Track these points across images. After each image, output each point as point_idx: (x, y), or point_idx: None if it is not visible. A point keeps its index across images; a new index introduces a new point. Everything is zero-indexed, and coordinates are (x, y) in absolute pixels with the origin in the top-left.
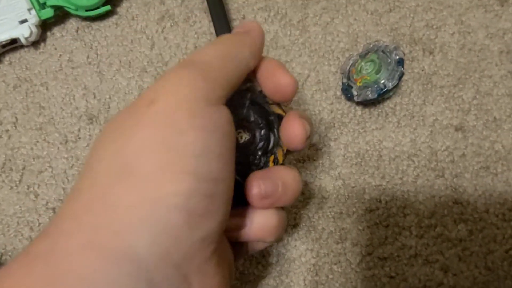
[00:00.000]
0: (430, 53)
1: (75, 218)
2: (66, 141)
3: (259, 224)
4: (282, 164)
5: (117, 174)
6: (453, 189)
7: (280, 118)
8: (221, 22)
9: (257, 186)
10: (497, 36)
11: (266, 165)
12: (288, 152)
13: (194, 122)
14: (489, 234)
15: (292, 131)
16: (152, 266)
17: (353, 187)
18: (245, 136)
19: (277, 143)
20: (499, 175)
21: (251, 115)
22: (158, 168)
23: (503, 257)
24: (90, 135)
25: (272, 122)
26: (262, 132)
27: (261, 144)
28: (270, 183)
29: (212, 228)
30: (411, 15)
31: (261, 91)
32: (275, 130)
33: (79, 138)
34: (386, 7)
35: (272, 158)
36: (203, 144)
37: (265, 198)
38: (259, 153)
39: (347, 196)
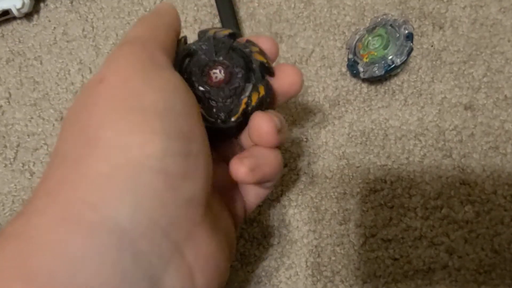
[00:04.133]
0: (440, 28)
1: (48, 195)
2: (62, 118)
3: (271, 161)
4: (254, 108)
5: (84, 147)
6: (461, 170)
7: (262, 65)
8: None
9: (269, 121)
10: (511, 11)
11: (237, 106)
12: (267, 98)
13: (149, 84)
14: (497, 216)
15: (261, 126)
16: (136, 235)
17: (357, 167)
18: (218, 76)
19: (255, 89)
20: (509, 155)
21: (228, 58)
22: (124, 133)
23: (510, 240)
24: None
25: (254, 68)
26: (239, 75)
27: (237, 85)
28: (278, 119)
29: (196, 189)
30: None
31: (247, 41)
32: (254, 76)
33: None
34: None
35: (245, 100)
36: (165, 103)
37: (278, 133)
38: (231, 92)
39: (351, 176)
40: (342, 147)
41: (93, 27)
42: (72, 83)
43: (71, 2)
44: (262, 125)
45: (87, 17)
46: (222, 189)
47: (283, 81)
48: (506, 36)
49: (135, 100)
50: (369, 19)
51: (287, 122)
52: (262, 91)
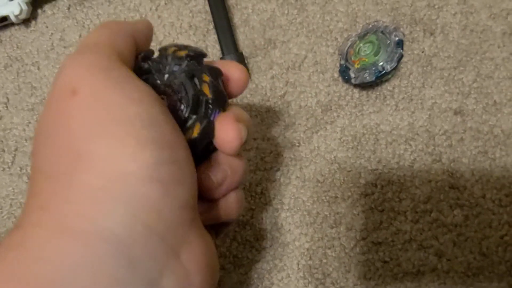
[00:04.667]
0: (431, 34)
1: (41, 209)
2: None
3: (222, 207)
4: (200, 140)
5: (72, 162)
6: (450, 174)
7: (207, 102)
8: (217, 2)
9: (207, 178)
10: (501, 17)
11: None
12: (207, 135)
13: (129, 96)
14: (485, 220)
15: (226, 135)
16: (133, 243)
17: (348, 171)
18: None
19: (197, 123)
20: (497, 160)
21: (177, 85)
22: (114, 145)
23: (498, 243)
24: None
25: (200, 101)
26: (182, 107)
27: (176, 116)
28: (220, 171)
29: (188, 193)
30: None
31: (205, 66)
32: (199, 109)
33: None
34: None
35: (189, 133)
36: (148, 113)
37: (220, 186)
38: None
39: (342, 180)
40: (334, 152)
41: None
42: None
43: (68, 8)
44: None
45: (84, 23)
46: None
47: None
48: (496, 42)
49: (119, 112)
50: (361, 26)
51: (279, 127)
52: (198, 130)
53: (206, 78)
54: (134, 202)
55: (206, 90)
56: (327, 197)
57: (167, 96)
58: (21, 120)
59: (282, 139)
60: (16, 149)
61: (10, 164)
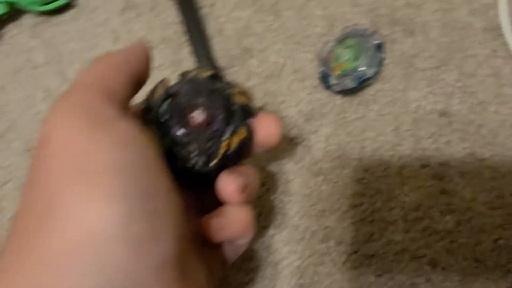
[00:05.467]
0: (411, 33)
1: (4, 273)
2: (30, 148)
3: (239, 220)
4: (235, 152)
5: (41, 218)
6: (439, 179)
7: (243, 107)
8: (189, 12)
9: (232, 181)
10: (481, 12)
11: (217, 148)
12: (247, 141)
13: (98, 142)
14: (477, 224)
15: (225, 187)
16: None
17: (335, 182)
18: (199, 119)
19: (236, 131)
20: (486, 160)
21: (209, 101)
22: (81, 201)
23: (492, 247)
24: None
25: (234, 111)
26: (220, 117)
27: (217, 128)
28: (243, 177)
29: (166, 251)
30: None
31: (227, 82)
32: (235, 118)
33: None
34: None
35: (225, 143)
36: (119, 161)
37: (243, 192)
38: (211, 135)
39: (329, 192)
40: (319, 163)
41: (57, 52)
42: (39, 112)
43: (34, 27)
44: (226, 186)
45: (50, 42)
46: (201, 243)
47: (261, 131)
48: (477, 39)
49: (86, 162)
50: (339, 29)
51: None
52: (243, 133)
53: (236, 89)
54: (101, 265)
55: (239, 98)
56: (315, 211)
57: (204, 110)
58: None
59: (265, 153)
60: None
61: None
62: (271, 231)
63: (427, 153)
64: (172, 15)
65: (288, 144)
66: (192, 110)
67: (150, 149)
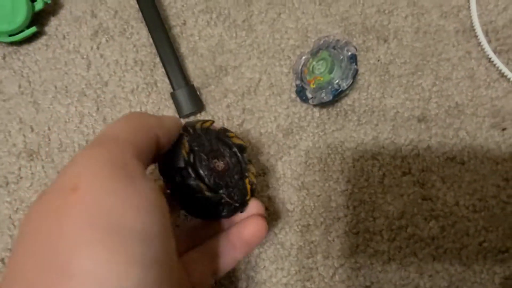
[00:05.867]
0: (385, 40)
1: None
2: (7, 183)
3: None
4: (255, 188)
5: (53, 275)
6: (421, 185)
7: (241, 147)
8: (159, 33)
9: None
10: (452, 15)
11: (244, 186)
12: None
13: (128, 201)
14: (461, 228)
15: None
16: None
17: (318, 195)
18: (221, 165)
19: (246, 168)
20: (466, 164)
21: (219, 147)
22: (101, 261)
23: (477, 250)
24: (32, 173)
25: (236, 151)
26: (233, 159)
27: (236, 169)
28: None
29: None
30: (361, 1)
31: (221, 128)
32: (240, 157)
33: (21, 177)
34: None
35: (247, 180)
36: (143, 225)
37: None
38: (236, 177)
39: (313, 207)
40: (301, 177)
41: (29, 82)
42: (14, 145)
43: (3, 58)
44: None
45: (22, 71)
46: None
47: (247, 231)
48: (450, 42)
49: (112, 223)
50: (313, 40)
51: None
52: (253, 169)
53: (231, 134)
54: None
55: (237, 140)
56: (299, 226)
57: (222, 157)
58: None
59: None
60: None
61: None
62: (256, 250)
63: (408, 160)
64: (143, 37)
65: (268, 160)
66: (212, 160)
67: (167, 216)
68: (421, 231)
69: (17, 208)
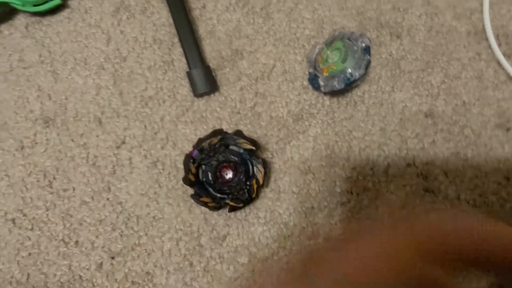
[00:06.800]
0: (398, 37)
1: None
2: (22, 147)
3: None
4: (262, 185)
5: None
6: (424, 177)
7: (251, 151)
8: (180, 13)
9: None
10: (465, 17)
11: (251, 186)
12: (265, 173)
13: None
14: None
15: None
16: None
17: (323, 180)
18: (229, 174)
19: (254, 170)
20: (469, 160)
21: (229, 157)
22: None
23: None
24: (47, 139)
25: (246, 156)
26: (241, 167)
27: (243, 173)
28: None
29: None
30: None
31: (233, 134)
32: (250, 161)
33: (36, 143)
34: None
35: (254, 181)
36: None
37: None
38: (243, 179)
39: (318, 190)
40: (308, 161)
41: (50, 52)
42: (31, 111)
43: (26, 27)
44: None
45: (43, 42)
46: None
47: None
48: (461, 42)
49: None
50: (328, 32)
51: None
52: (261, 170)
53: (241, 140)
54: None
55: (246, 145)
56: (304, 208)
57: (230, 166)
58: None
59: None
60: None
61: None
62: (260, 228)
63: (413, 153)
64: (163, 16)
65: (277, 143)
66: (221, 170)
67: None
68: None
69: (30, 172)
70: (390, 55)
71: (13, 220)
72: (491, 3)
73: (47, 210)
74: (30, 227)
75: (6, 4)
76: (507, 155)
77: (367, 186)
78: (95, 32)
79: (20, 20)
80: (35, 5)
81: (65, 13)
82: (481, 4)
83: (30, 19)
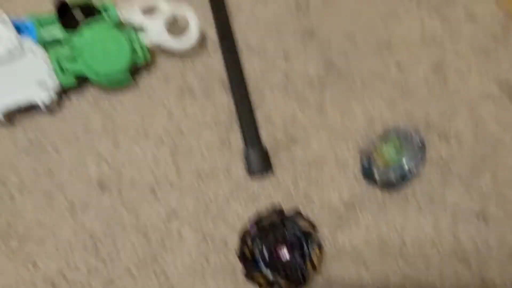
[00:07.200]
0: (446, 139)
1: None
2: (73, 208)
3: None
4: (316, 269)
5: None
6: (481, 279)
7: (308, 233)
8: (242, 96)
9: None
10: (510, 127)
11: (306, 270)
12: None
13: None
14: None
15: None
16: None
17: (375, 272)
18: (285, 253)
19: (310, 252)
20: None
21: (286, 236)
22: None
23: None
24: (99, 203)
25: (302, 237)
26: (296, 248)
27: (299, 253)
28: None
29: None
30: (425, 103)
31: (292, 215)
32: (305, 243)
33: (88, 206)
34: (400, 92)
35: (310, 264)
36: None
37: None
38: (298, 259)
39: (369, 282)
40: (360, 251)
41: (113, 122)
42: (88, 175)
43: (94, 98)
44: None
45: (108, 112)
46: None
47: None
48: (507, 149)
49: None
50: (379, 128)
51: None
52: (318, 252)
53: (300, 220)
54: None
55: (306, 228)
56: None
57: (286, 245)
58: (34, 205)
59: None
60: (24, 235)
61: (16, 251)
62: None
63: (468, 255)
64: (224, 100)
65: (329, 231)
66: (277, 247)
67: None
68: None
69: (78, 234)
70: (440, 156)
71: (52, 283)
72: None
73: (89, 274)
74: None
75: (82, 77)
76: None
77: (420, 283)
78: (158, 108)
79: (89, 91)
80: (109, 81)
81: (133, 90)
82: None
83: (99, 91)
